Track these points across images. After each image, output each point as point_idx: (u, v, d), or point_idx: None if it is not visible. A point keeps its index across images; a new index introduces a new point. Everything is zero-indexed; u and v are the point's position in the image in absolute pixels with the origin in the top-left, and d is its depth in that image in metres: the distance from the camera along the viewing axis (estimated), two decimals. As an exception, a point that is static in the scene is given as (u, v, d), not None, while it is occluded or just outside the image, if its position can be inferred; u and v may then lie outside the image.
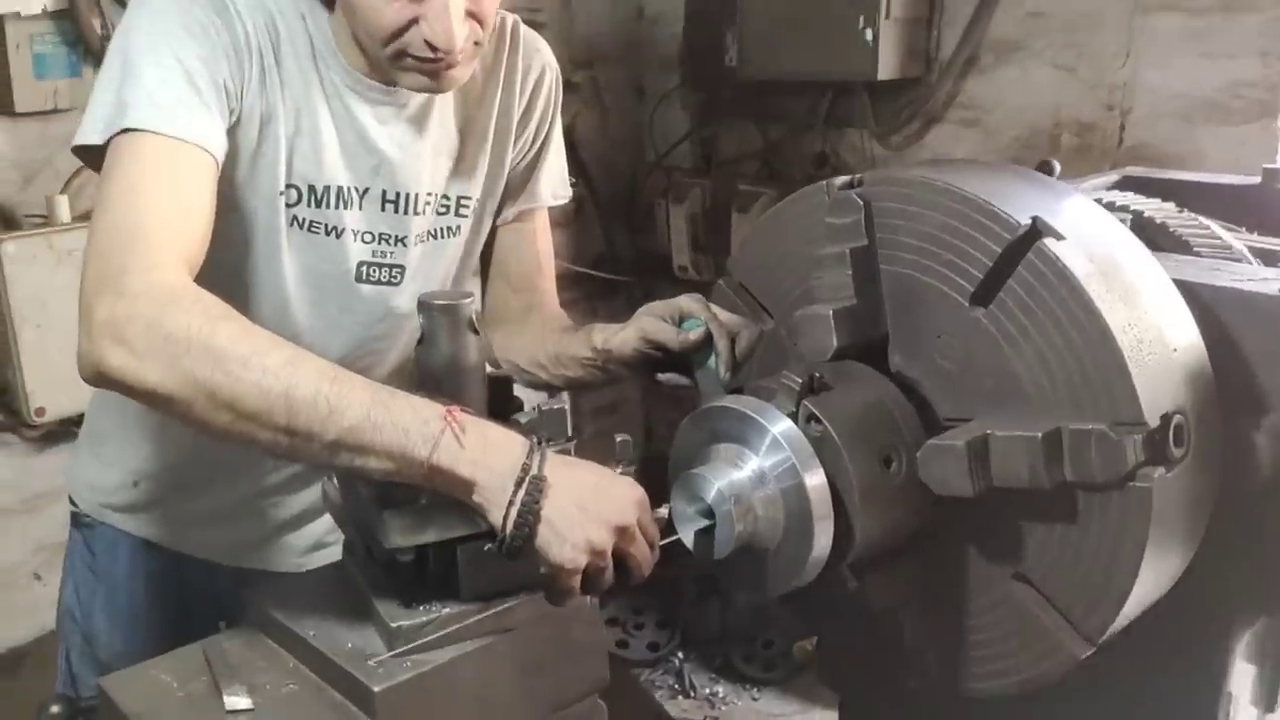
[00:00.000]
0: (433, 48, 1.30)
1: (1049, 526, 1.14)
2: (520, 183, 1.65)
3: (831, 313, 1.18)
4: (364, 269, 1.47)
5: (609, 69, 3.68)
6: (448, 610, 1.06)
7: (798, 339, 1.22)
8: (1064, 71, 2.85)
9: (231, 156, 1.31)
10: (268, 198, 1.38)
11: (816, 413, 1.10)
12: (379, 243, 1.47)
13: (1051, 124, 2.88)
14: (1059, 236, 1.10)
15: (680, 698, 3.47)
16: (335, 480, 1.17)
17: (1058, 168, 1.58)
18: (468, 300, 1.10)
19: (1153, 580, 1.13)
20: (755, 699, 3.46)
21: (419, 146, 1.48)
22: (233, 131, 1.31)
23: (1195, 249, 1.43)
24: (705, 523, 1.10)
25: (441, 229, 1.54)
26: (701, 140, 3.60)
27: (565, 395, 3.53)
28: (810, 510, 1.06)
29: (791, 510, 1.08)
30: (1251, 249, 1.49)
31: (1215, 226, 1.51)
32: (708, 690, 3.50)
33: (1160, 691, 1.33)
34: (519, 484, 1.01)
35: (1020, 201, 1.15)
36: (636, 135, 3.80)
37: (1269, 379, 1.19)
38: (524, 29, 1.61)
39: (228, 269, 1.36)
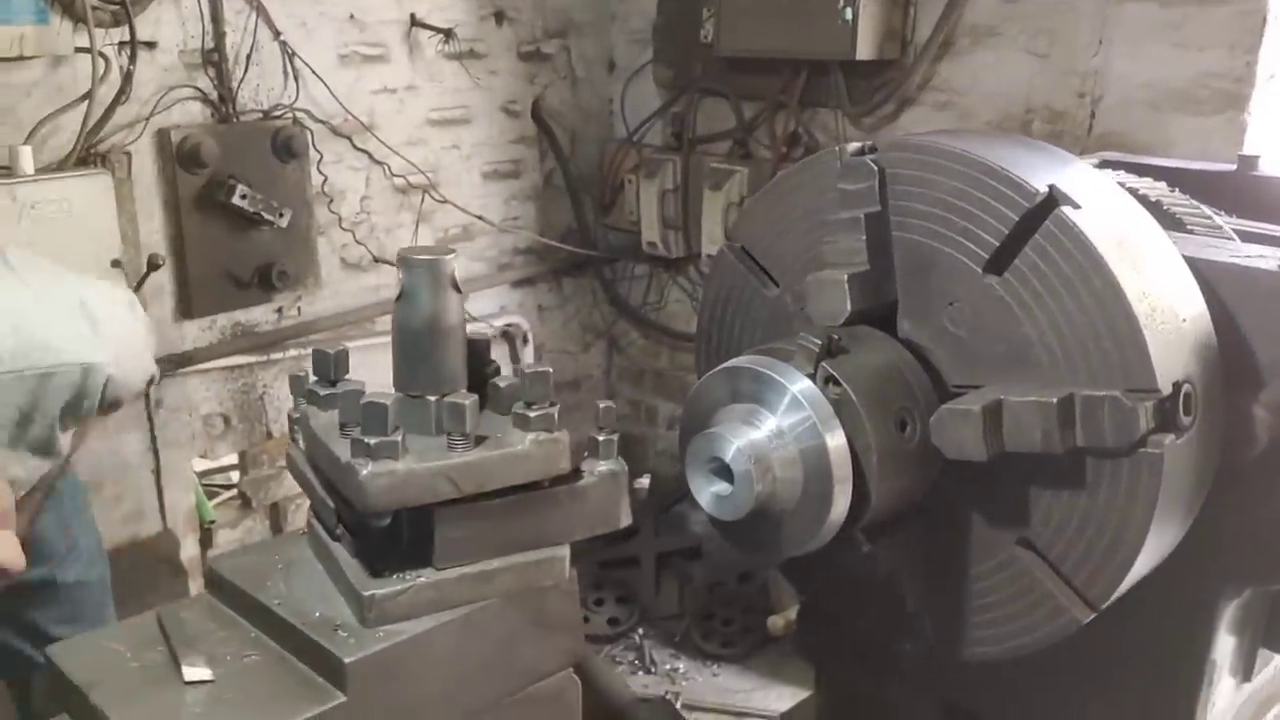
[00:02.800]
0: None
1: (1056, 492, 1.16)
2: None
3: (846, 277, 1.18)
4: None
5: (582, 40, 3.64)
6: (423, 579, 1.02)
7: (808, 303, 1.22)
8: (1037, 58, 2.88)
9: None
10: None
11: (835, 374, 1.10)
12: None
13: (1024, 109, 2.91)
14: (1076, 205, 1.11)
15: (640, 673, 3.47)
16: (302, 441, 1.11)
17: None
18: (450, 256, 1.07)
19: (1156, 547, 1.15)
20: (715, 675, 3.47)
21: None
22: None
23: (1189, 227, 1.45)
24: (721, 484, 1.09)
25: None
26: (673, 116, 3.58)
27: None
28: (830, 471, 1.06)
29: (810, 471, 1.07)
30: (1235, 231, 1.52)
31: (1205, 208, 1.54)
32: (668, 666, 3.50)
33: (1145, 660, 1.36)
34: None
35: (1035, 170, 1.16)
36: (607, 109, 3.76)
37: (1266, 354, 1.22)
38: None
39: None
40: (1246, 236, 1.51)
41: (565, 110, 3.62)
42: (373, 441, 0.96)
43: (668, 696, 3.30)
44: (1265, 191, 1.80)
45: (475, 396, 1.01)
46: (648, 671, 3.48)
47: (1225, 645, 1.38)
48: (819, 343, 1.11)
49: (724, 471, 1.09)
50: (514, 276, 3.60)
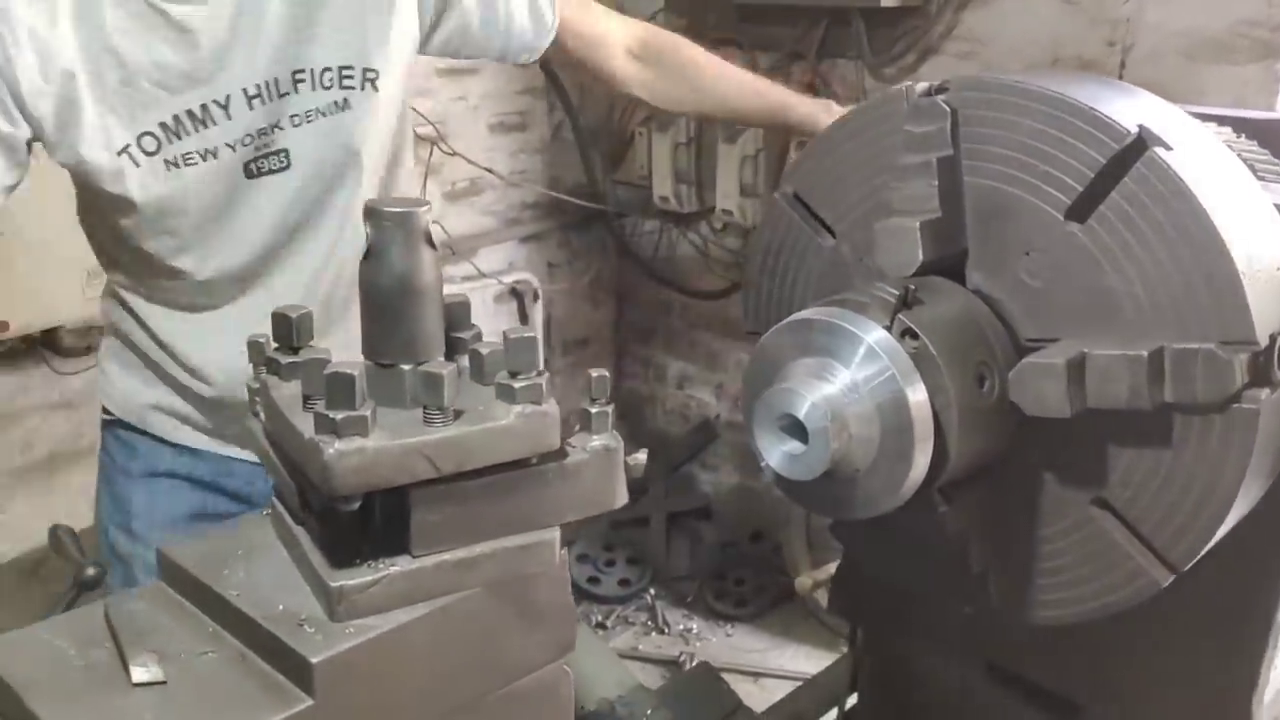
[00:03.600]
0: None
1: (1138, 450, 1.10)
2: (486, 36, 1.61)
3: (918, 225, 1.12)
4: (252, 166, 1.46)
5: (591, -12, 3.55)
6: (397, 568, 0.91)
7: (876, 252, 1.16)
8: (1066, 4, 2.81)
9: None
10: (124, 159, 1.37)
11: (913, 326, 1.04)
12: (259, 138, 1.45)
13: (1050, 59, 2.84)
14: (1168, 146, 1.05)
15: (654, 634, 3.46)
16: (263, 414, 1.00)
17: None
18: (423, 209, 0.95)
19: (1241, 507, 1.10)
20: (729, 635, 3.46)
21: (243, 26, 1.40)
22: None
23: (1259, 174, 1.39)
24: (794, 442, 1.03)
25: (328, 104, 1.48)
26: (685, 68, 3.49)
27: (538, 322, 3.43)
28: (911, 427, 1.00)
29: (889, 427, 1.02)
30: (1297, 179, 1.47)
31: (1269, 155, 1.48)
32: (681, 626, 3.49)
33: (1207, 621, 1.32)
34: None
35: (1120, 110, 1.10)
36: (617, 60, 3.68)
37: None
38: None
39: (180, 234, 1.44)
40: (1308, 185, 1.46)
41: (574, 61, 3.53)
42: (339, 416, 0.85)
43: (681, 658, 3.28)
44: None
45: (454, 365, 0.91)
46: (661, 632, 3.47)
47: (1290, 607, 1.34)
48: (895, 293, 1.05)
49: (796, 429, 1.03)
50: (523, 232, 3.53)
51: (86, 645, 0.91)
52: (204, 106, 1.40)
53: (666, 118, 3.45)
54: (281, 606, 0.90)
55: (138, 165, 1.38)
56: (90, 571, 1.07)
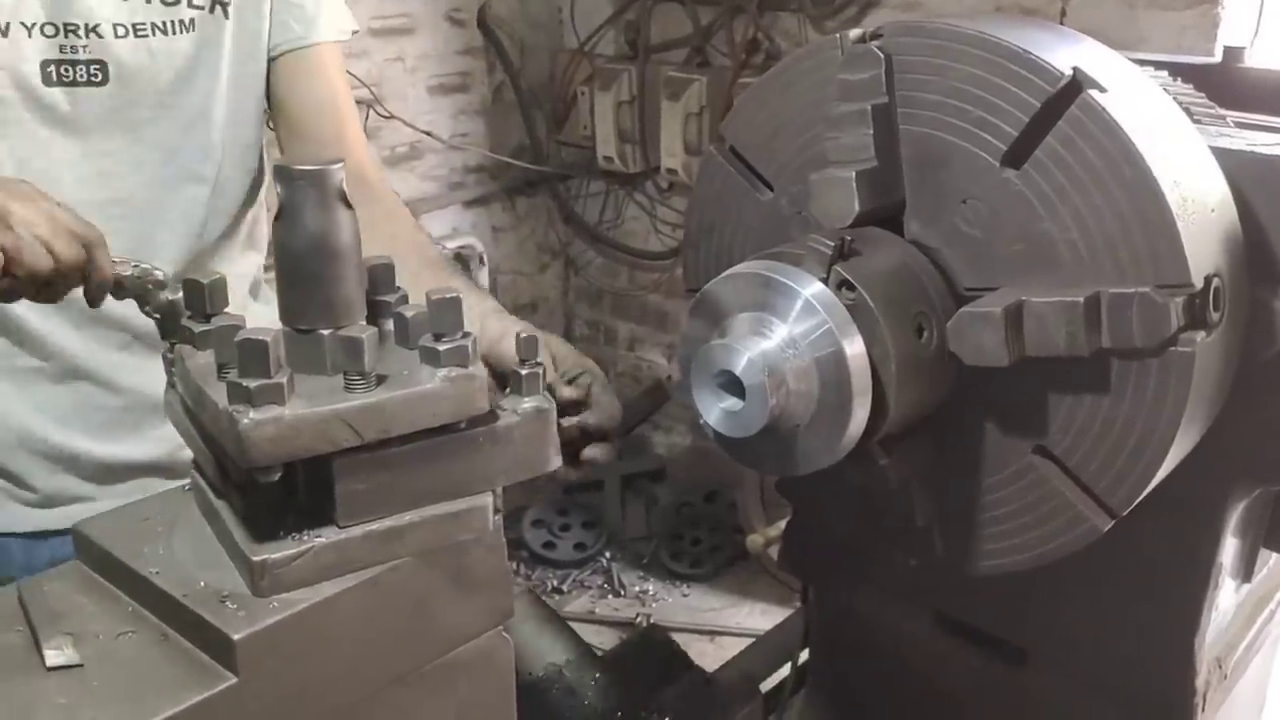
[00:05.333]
0: None
1: (1076, 397, 1.10)
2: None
3: (854, 175, 1.10)
4: (51, 69, 1.27)
5: (528, -57, 3.47)
6: (322, 539, 0.88)
7: (812, 204, 1.14)
8: (1006, -47, 2.79)
9: None
10: None
11: (850, 278, 1.02)
12: (65, 35, 1.28)
13: (993, 6, 2.82)
14: (1102, 89, 1.03)
15: (610, 596, 3.46)
16: (179, 385, 0.96)
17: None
18: (336, 166, 0.90)
19: (1179, 451, 1.10)
20: (685, 595, 3.47)
21: None
22: None
23: (1195, 117, 1.39)
24: (731, 399, 1.01)
25: (165, 23, 1.33)
26: (626, 24, 3.44)
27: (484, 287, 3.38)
28: (850, 381, 0.99)
29: (827, 381, 1.00)
30: (1234, 123, 1.47)
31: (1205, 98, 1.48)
32: (637, 588, 3.50)
33: (1148, 564, 1.33)
34: None
35: (1055, 53, 1.08)
36: (556, 18, 3.61)
37: (1286, 245, 1.17)
38: None
39: None
40: (1246, 128, 1.45)
41: (512, 19, 3.46)
42: (253, 385, 0.81)
43: (638, 620, 3.29)
44: (1252, 83, 1.74)
45: (374, 329, 0.88)
46: (617, 595, 3.48)
47: (1230, 547, 1.36)
48: (830, 245, 1.03)
49: (733, 386, 1.01)
50: (466, 196, 3.48)
51: (-2, 628, 0.88)
52: None
53: (608, 76, 3.40)
54: (203, 583, 0.87)
55: None
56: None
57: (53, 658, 0.82)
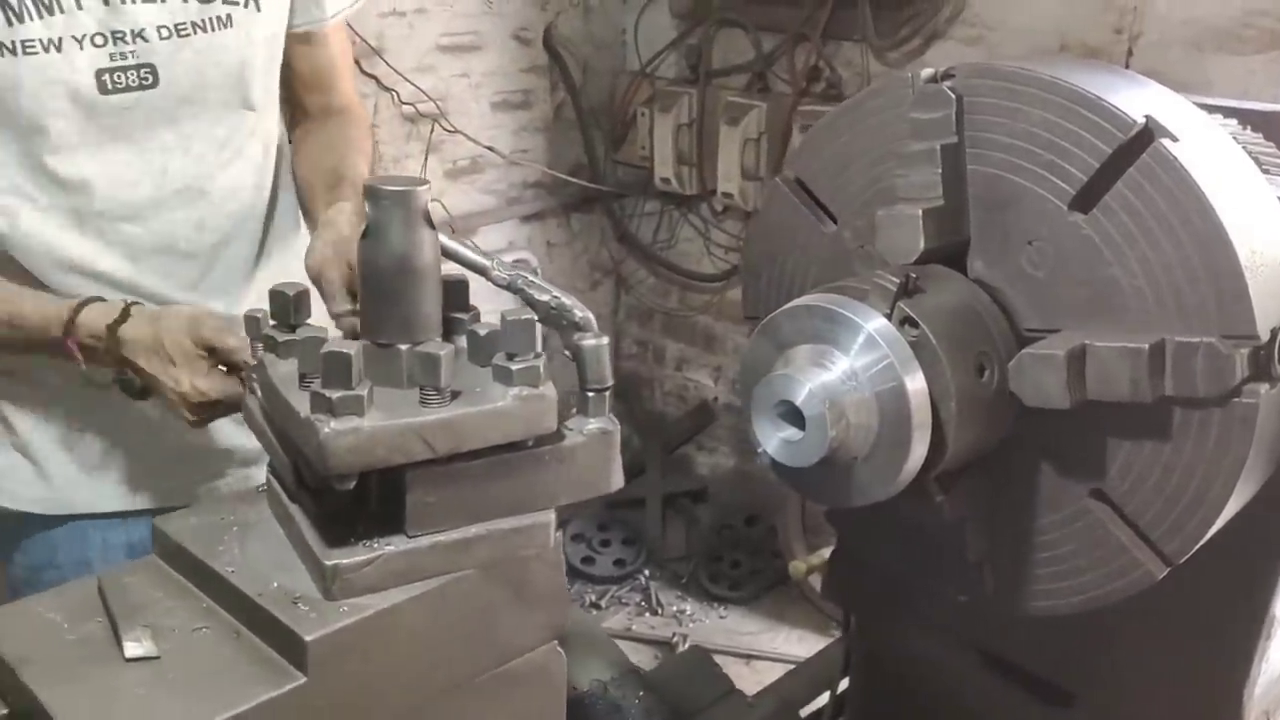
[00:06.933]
0: None
1: (1136, 443, 1.10)
2: None
3: (920, 213, 1.11)
4: (106, 77, 1.32)
5: (594, -34, 3.52)
6: (392, 548, 0.91)
7: (878, 239, 1.15)
8: (1074, -9, 2.79)
9: None
10: None
11: (913, 315, 1.03)
12: (113, 43, 1.32)
13: (1057, 45, 2.82)
14: (1174, 137, 1.04)
15: (647, 614, 3.47)
16: (260, 391, 1.00)
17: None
18: (423, 188, 0.95)
19: (1238, 500, 1.10)
20: (722, 617, 3.47)
21: None
22: None
23: (1264, 167, 1.38)
24: (790, 429, 1.03)
25: (204, 20, 1.37)
26: (689, 48, 3.47)
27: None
28: (910, 417, 1.00)
29: (887, 415, 1.01)
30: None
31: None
32: (675, 608, 3.50)
33: (1200, 613, 1.33)
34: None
35: (1128, 100, 1.09)
36: (620, 39, 3.65)
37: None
38: None
39: None
40: (1315, 179, 1.45)
41: (577, 39, 3.50)
42: (335, 396, 0.85)
43: (675, 640, 3.29)
44: (1323, 132, 1.73)
45: (451, 346, 0.91)
46: (654, 613, 3.48)
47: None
48: (895, 281, 1.05)
49: (793, 416, 1.03)
50: (523, 211, 3.52)
51: (78, 619, 0.92)
52: None
53: (668, 98, 3.43)
54: (276, 584, 0.91)
55: None
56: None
57: (132, 649, 0.86)
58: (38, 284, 1.38)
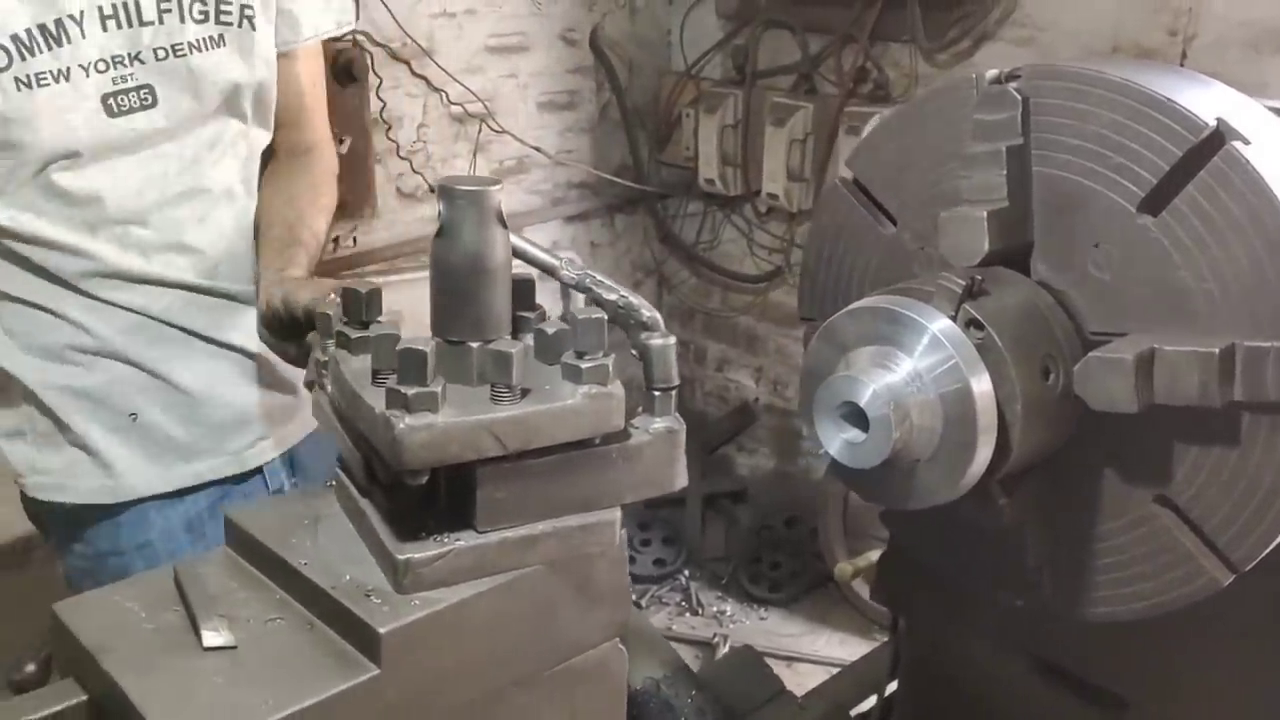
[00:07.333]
0: None
1: (1203, 448, 1.09)
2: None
3: (985, 214, 1.11)
4: (111, 101, 1.36)
5: (641, -33, 3.53)
6: (462, 543, 0.92)
7: (941, 241, 1.15)
8: (1127, -8, 2.76)
9: None
10: None
11: (978, 317, 1.03)
12: (114, 67, 1.36)
13: (1109, 47, 2.79)
14: (1246, 140, 1.03)
15: (687, 614, 3.47)
16: (332, 387, 1.01)
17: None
18: (496, 187, 0.95)
19: (1308, 507, 1.08)
20: (763, 618, 3.47)
21: None
22: None
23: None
24: (853, 430, 1.03)
25: (199, 40, 1.41)
26: (735, 49, 3.47)
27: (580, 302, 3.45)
28: (975, 418, 1.00)
29: (952, 418, 1.01)
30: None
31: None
32: (715, 608, 3.50)
33: (1265, 619, 1.31)
34: None
35: (1196, 101, 1.08)
36: (665, 40, 3.66)
37: None
38: None
39: None
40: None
41: (623, 40, 3.52)
42: (410, 392, 0.86)
43: (715, 640, 3.29)
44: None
45: (522, 344, 0.92)
46: (694, 613, 3.49)
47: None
48: (960, 283, 1.04)
49: (856, 417, 1.03)
50: (567, 211, 3.54)
51: (156, 608, 0.94)
52: (58, 21, 1.32)
53: (714, 99, 3.43)
54: (348, 577, 0.92)
55: None
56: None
57: (210, 638, 0.87)
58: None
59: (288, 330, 1.27)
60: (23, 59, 1.30)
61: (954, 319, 1.05)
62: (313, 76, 1.64)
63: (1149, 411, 1.05)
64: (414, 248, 2.97)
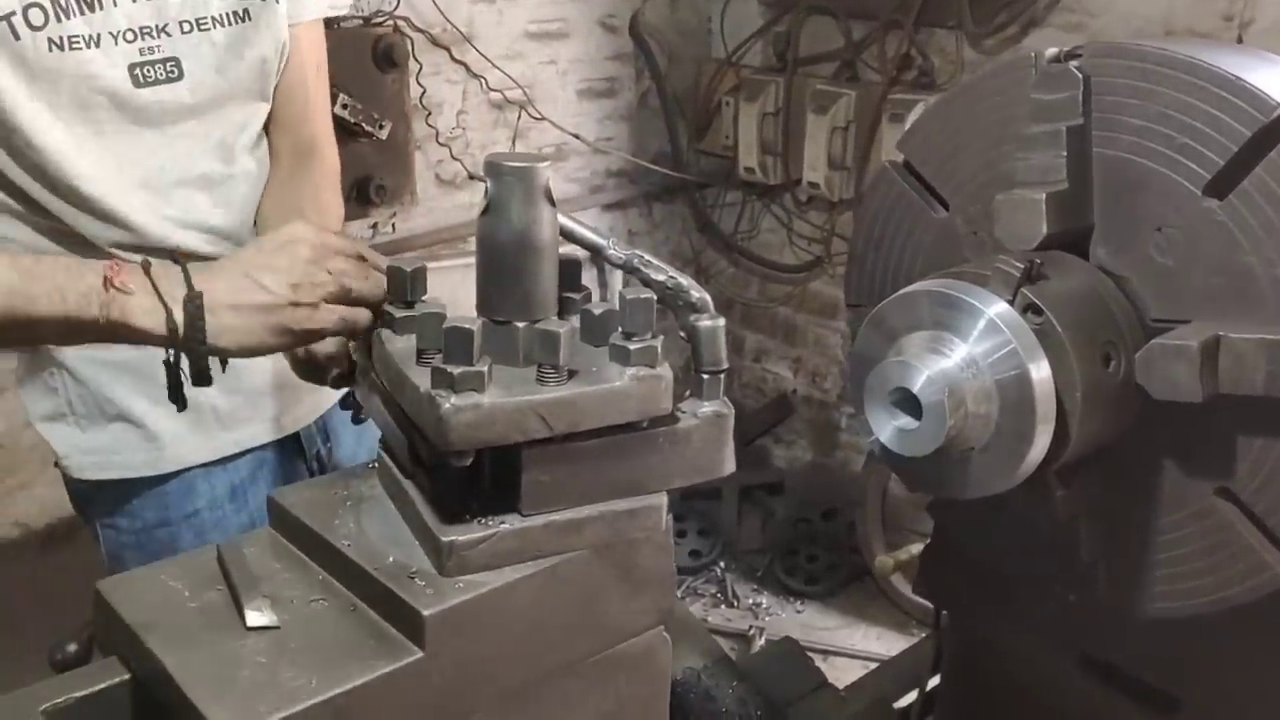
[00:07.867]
0: None
1: (1268, 440, 1.05)
2: None
3: (1044, 197, 1.07)
4: (138, 71, 1.35)
5: (682, -47, 3.49)
6: (506, 526, 0.90)
7: (997, 225, 1.12)
8: (1181, -24, 2.69)
9: None
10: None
11: (1037, 302, 1.00)
12: (142, 38, 1.35)
13: (1162, 32, 2.72)
14: (1320, 120, 0.99)
15: (723, 606, 3.45)
16: (377, 366, 1.00)
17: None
18: (544, 164, 0.93)
19: (1378, 502, 1.05)
20: (799, 611, 3.44)
21: None
22: None
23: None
24: (906, 417, 1.00)
25: (223, 15, 1.40)
26: (776, 36, 3.43)
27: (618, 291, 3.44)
28: (1033, 406, 0.97)
29: (1008, 405, 0.98)
30: None
31: None
32: (750, 600, 3.48)
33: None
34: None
35: (1266, 81, 1.04)
36: (705, 27, 3.62)
37: None
38: None
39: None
40: None
41: (663, 27, 3.49)
42: (456, 371, 0.84)
43: (751, 632, 3.27)
44: None
45: (569, 325, 0.90)
46: (730, 605, 3.46)
47: None
48: (1018, 266, 1.01)
49: (909, 404, 1.00)
50: (606, 199, 3.51)
51: (199, 587, 0.93)
52: None
53: (755, 87, 3.39)
54: (391, 558, 0.91)
55: (18, 38, 1.27)
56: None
57: (253, 618, 0.87)
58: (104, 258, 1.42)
59: (315, 373, 1.28)
60: (59, 20, 1.30)
61: (1011, 303, 1.02)
62: (317, 61, 1.61)
63: (1212, 401, 1.01)
64: (453, 234, 2.97)
